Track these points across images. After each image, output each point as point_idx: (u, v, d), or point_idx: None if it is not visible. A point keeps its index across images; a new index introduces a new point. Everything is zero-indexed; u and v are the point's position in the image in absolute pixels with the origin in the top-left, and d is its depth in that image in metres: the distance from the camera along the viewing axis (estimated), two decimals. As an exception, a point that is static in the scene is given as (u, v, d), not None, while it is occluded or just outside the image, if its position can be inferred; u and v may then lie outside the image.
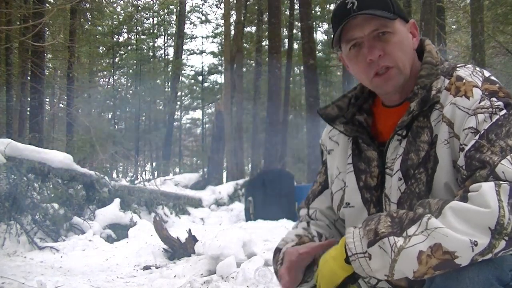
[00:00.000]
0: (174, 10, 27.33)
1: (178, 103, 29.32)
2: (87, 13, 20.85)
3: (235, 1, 19.21)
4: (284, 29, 21.08)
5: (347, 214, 1.38)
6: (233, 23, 19.45)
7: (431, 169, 1.20)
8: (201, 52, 31.01)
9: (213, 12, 38.63)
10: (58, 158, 7.02)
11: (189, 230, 5.32)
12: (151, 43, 28.91)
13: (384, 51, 1.25)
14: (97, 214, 7.04)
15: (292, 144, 21.38)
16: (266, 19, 19.15)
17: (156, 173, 21.88)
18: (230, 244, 4.34)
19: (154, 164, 27.49)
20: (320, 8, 23.93)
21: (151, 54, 28.91)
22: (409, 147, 1.25)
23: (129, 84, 30.04)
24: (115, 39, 27.38)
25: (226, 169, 17.73)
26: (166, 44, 30.07)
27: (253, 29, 24.00)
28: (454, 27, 20.16)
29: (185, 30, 26.77)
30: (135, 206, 8.07)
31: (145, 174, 23.61)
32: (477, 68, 1.25)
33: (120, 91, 28.80)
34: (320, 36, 26.02)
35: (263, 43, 21.37)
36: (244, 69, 22.59)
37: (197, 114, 34.95)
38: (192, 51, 30.86)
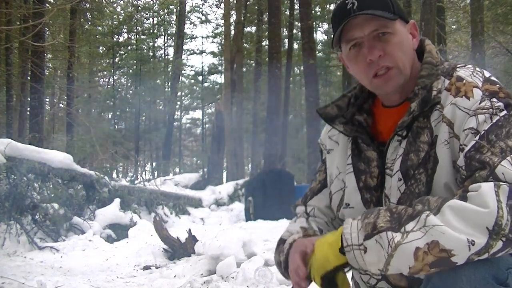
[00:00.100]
0: (174, 10, 27.37)
1: (178, 103, 29.33)
2: (87, 13, 20.87)
3: (235, 1, 19.23)
4: (284, 29, 21.09)
5: (347, 214, 1.38)
6: (233, 23, 19.48)
7: (431, 169, 1.20)
8: (201, 52, 31.08)
9: (213, 12, 38.76)
10: (58, 158, 7.02)
11: (189, 230, 5.32)
12: (151, 43, 28.94)
13: (384, 52, 1.25)
14: (97, 214, 7.04)
15: (292, 144, 21.40)
16: (266, 19, 19.16)
17: (156, 173, 21.90)
18: (230, 244, 4.34)
19: (154, 164, 27.53)
20: (320, 8, 23.95)
21: (151, 54, 28.93)
22: (409, 147, 1.25)
23: (129, 84, 30.07)
24: (115, 39, 27.41)
25: (226, 169, 17.75)
26: (166, 44, 30.15)
27: (253, 29, 24.04)
28: (454, 27, 20.17)
29: (185, 30, 26.83)
30: (135, 206, 8.08)
31: (145, 174, 23.66)
32: (477, 69, 1.25)
33: (120, 91, 28.83)
34: (320, 36, 26.08)
35: (263, 43, 21.39)
36: (244, 69, 22.63)
37: (197, 114, 35.04)
38: (192, 51, 30.94)
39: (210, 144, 19.32)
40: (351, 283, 1.44)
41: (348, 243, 1.13)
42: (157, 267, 4.88)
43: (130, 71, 28.38)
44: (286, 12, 20.73)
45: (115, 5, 25.09)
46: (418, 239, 1.03)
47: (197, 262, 4.47)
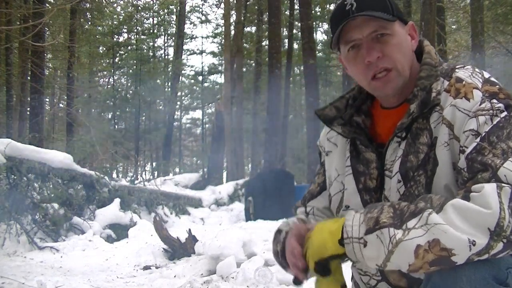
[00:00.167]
0: (174, 10, 27.37)
1: (178, 103, 29.32)
2: (87, 13, 20.88)
3: (235, 1, 19.22)
4: (284, 29, 21.10)
5: (346, 216, 1.38)
6: (233, 23, 19.46)
7: (431, 171, 1.20)
8: (201, 52, 31.07)
9: (213, 12, 38.75)
10: (58, 158, 7.02)
11: (189, 230, 5.32)
12: (151, 43, 28.93)
13: (382, 53, 1.24)
14: (97, 214, 7.05)
15: (292, 144, 21.40)
16: (266, 19, 19.16)
17: (156, 173, 21.90)
18: (230, 244, 4.34)
19: (154, 164, 27.54)
20: (320, 8, 23.94)
21: (151, 54, 28.93)
22: (408, 149, 1.24)
23: (129, 84, 30.05)
24: (115, 39, 27.42)
25: (226, 169, 17.74)
26: (166, 44, 30.15)
27: (253, 29, 24.04)
28: (454, 27, 20.17)
29: (185, 30, 26.82)
30: (135, 206, 8.08)
31: (145, 174, 23.68)
32: (477, 69, 1.25)
33: (120, 91, 28.80)
34: (320, 36, 26.05)
35: (263, 43, 21.39)
36: (244, 69, 22.61)
37: (197, 114, 35.01)
38: (192, 51, 30.93)
39: (210, 144, 19.33)
40: (350, 283, 1.45)
41: (349, 235, 1.12)
42: (157, 267, 4.88)
43: (130, 71, 28.38)
44: (286, 12, 20.73)
45: (115, 5, 25.13)
46: (420, 237, 1.03)
47: (197, 262, 4.47)
